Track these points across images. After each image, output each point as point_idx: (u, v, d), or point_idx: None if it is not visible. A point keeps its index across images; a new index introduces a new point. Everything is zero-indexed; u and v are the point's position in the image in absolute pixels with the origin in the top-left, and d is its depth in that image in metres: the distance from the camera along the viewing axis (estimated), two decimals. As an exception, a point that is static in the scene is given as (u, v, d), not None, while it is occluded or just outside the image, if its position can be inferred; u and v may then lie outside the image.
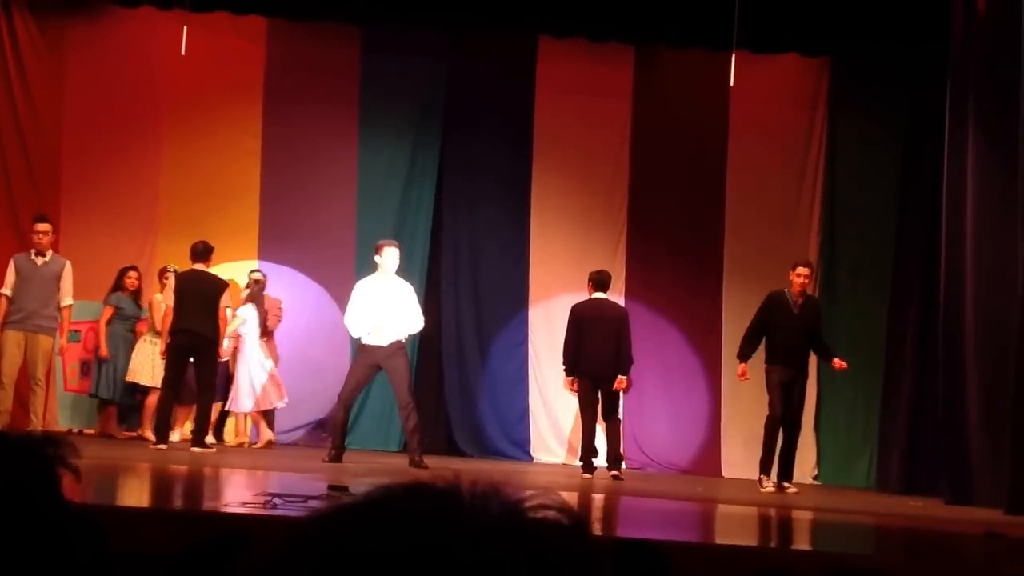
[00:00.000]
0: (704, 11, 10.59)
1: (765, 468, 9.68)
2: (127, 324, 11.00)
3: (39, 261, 10.00)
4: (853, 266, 11.57)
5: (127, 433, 10.92)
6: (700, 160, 11.81)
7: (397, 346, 9.64)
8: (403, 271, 9.98)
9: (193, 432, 9.92)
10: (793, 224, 11.70)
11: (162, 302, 10.52)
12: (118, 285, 10.98)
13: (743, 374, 9.76)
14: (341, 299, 11.18)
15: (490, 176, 11.77)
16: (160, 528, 4.92)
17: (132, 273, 11.01)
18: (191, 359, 9.84)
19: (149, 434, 10.74)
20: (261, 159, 11.66)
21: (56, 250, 10.30)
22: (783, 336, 9.62)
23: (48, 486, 1.61)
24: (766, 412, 9.76)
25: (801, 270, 9.76)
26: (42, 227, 10.03)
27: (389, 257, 9.76)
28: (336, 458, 9.50)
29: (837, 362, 9.75)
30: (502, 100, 11.81)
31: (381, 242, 9.93)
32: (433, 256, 11.76)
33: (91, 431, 10.97)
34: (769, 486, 9.61)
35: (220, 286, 9.99)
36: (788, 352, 9.60)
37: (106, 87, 11.49)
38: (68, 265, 10.07)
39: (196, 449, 9.57)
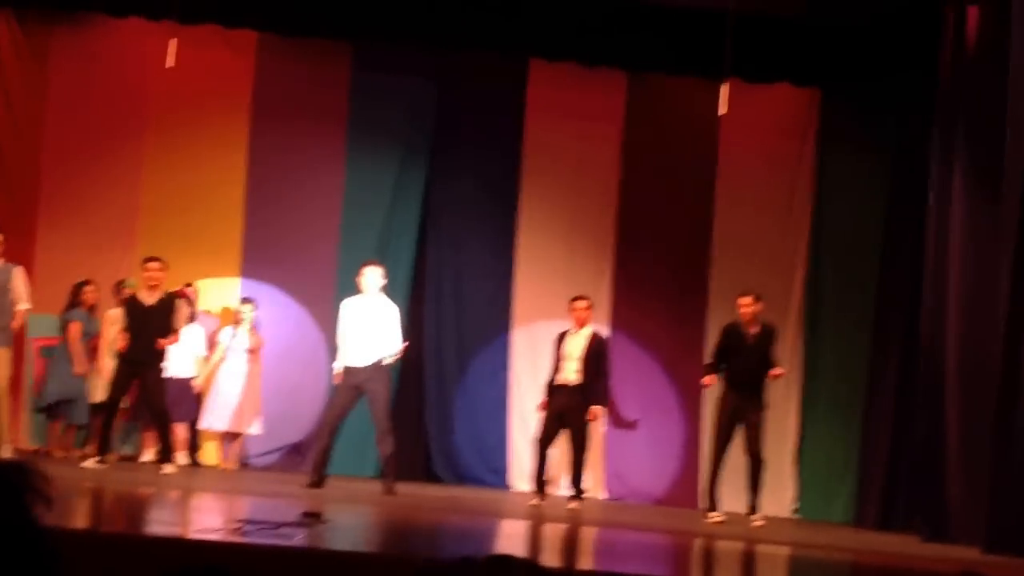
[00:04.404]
0: (697, 39, 10.59)
1: (709, 500, 9.65)
2: (83, 340, 10.54)
3: None
4: (837, 300, 11.53)
5: (79, 452, 10.42)
6: (689, 187, 11.77)
7: (377, 367, 9.52)
8: (385, 292, 9.88)
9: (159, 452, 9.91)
10: (780, 253, 11.66)
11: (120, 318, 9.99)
12: (75, 300, 10.53)
13: (708, 383, 9.81)
14: (321, 319, 11.08)
15: (478, 197, 11.68)
16: (127, 555, 4.80)
17: (88, 288, 10.55)
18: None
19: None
20: (247, 175, 11.52)
21: (31, 263, 10.11)
22: (737, 364, 9.69)
23: (18, 514, 1.60)
24: (744, 445, 9.65)
25: (740, 300, 9.82)
26: None
27: (365, 277, 9.73)
28: (316, 484, 9.38)
29: (773, 372, 9.66)
30: (492, 121, 11.73)
31: (364, 262, 9.91)
32: (417, 277, 11.63)
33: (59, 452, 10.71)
34: (717, 517, 9.51)
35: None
36: (741, 380, 9.64)
37: (90, 97, 11.34)
38: (18, 270, 9.70)
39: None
